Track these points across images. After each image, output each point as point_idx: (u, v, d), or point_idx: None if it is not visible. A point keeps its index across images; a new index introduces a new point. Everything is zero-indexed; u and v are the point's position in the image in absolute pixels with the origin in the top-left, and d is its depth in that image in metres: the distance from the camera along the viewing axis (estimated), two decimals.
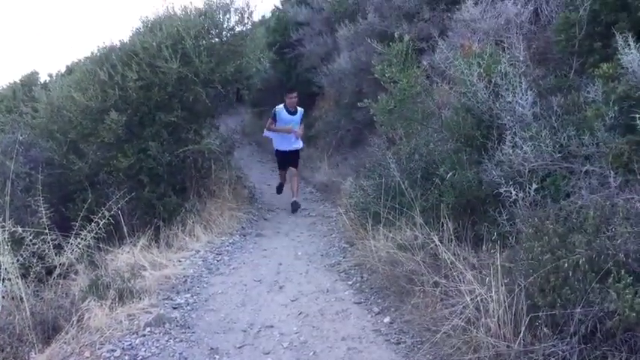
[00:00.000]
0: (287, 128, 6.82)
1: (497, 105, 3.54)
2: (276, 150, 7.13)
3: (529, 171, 3.13)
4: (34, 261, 3.48)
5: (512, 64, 3.74)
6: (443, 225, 3.48)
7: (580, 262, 2.32)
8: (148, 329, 3.20)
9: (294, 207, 6.72)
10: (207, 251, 5.00)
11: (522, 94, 3.43)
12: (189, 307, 3.67)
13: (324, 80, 8.63)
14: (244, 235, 5.74)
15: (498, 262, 2.61)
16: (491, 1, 4.80)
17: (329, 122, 9.05)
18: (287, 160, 7.04)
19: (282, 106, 6.79)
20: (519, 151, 3.16)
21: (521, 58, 3.98)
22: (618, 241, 2.32)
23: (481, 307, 2.61)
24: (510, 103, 3.47)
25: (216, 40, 6.19)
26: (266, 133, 7.13)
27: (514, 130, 3.36)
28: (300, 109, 6.91)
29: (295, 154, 7.08)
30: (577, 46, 3.72)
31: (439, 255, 3.21)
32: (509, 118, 3.45)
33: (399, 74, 4.33)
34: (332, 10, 8.82)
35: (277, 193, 7.40)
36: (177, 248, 5.05)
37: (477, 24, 4.73)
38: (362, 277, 4.04)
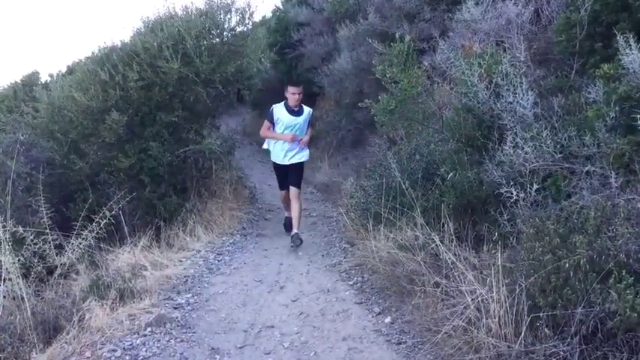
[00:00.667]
0: (287, 136, 5.20)
1: (498, 105, 3.54)
2: (274, 163, 5.47)
3: (530, 171, 3.13)
4: (35, 261, 3.47)
5: (513, 64, 3.74)
6: (444, 225, 3.48)
7: (581, 262, 2.33)
8: (149, 329, 3.19)
9: (295, 241, 5.01)
10: (208, 251, 5.00)
11: (523, 95, 3.43)
12: (190, 307, 3.67)
13: (325, 80, 8.62)
14: (245, 235, 5.74)
15: (499, 263, 2.61)
16: (492, 1, 4.80)
17: (330, 122, 9.06)
18: (287, 175, 5.39)
19: (281, 104, 5.26)
20: (520, 152, 3.16)
21: (522, 59, 3.98)
22: (619, 242, 2.33)
23: (482, 308, 2.61)
24: (511, 103, 3.47)
25: (217, 40, 6.19)
26: (265, 144, 5.50)
27: (515, 130, 3.36)
28: (307, 109, 5.36)
29: (298, 168, 5.35)
30: (578, 47, 3.72)
31: (440, 255, 3.21)
32: (510, 118, 3.45)
33: (400, 74, 4.34)
34: (333, 11, 8.82)
35: (285, 230, 5.63)
36: (178, 248, 5.05)
37: (478, 24, 4.72)
38: (363, 278, 4.04)
